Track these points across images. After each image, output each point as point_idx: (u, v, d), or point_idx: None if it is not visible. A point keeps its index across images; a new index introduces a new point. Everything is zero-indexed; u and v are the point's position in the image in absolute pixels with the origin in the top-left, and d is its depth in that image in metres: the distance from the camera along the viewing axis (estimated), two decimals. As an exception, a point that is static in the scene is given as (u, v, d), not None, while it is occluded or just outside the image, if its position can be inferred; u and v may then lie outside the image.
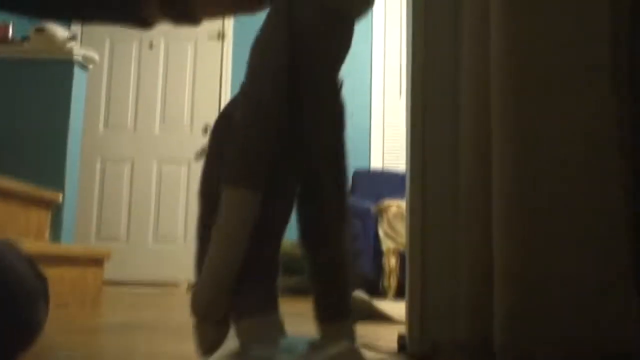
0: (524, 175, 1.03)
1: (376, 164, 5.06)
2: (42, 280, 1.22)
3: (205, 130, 5.02)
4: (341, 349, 0.69)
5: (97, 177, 4.99)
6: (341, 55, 0.77)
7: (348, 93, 0.89)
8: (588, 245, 1.00)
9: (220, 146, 0.73)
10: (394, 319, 2.14)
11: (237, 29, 5.05)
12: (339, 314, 0.77)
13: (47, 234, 3.09)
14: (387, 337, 1.64)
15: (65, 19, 0.97)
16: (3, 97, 3.47)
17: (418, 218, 1.42)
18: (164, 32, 5.08)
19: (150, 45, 5.12)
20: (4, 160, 3.32)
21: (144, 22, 0.87)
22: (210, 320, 0.71)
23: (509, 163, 1.04)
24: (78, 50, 3.62)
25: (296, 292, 3.30)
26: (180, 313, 2.68)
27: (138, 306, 3.09)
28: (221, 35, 5.08)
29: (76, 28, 4.90)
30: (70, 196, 3.48)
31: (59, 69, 3.53)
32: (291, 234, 0.80)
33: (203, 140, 5.00)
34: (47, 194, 3.08)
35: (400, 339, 1.45)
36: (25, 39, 3.59)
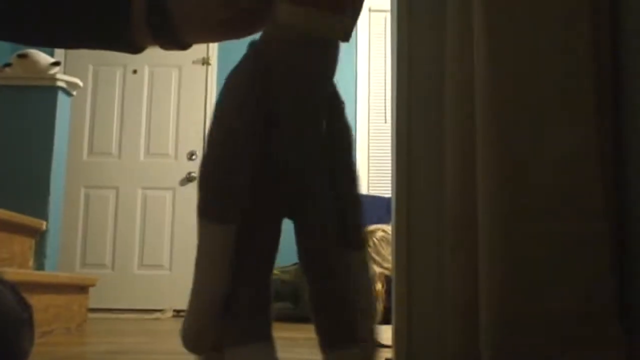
0: (509, 203, 1.04)
1: (361, 189, 5.08)
2: (27, 308, 1.21)
3: (190, 156, 5.01)
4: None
5: (82, 204, 4.96)
6: (322, 78, 0.74)
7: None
8: (572, 272, 1.01)
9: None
10: (381, 344, 2.14)
11: (222, 55, 5.08)
12: (347, 340, 0.76)
13: (31, 262, 3.05)
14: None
15: (58, 45, 0.98)
16: (-14, 124, 3.45)
17: (404, 243, 1.42)
18: (147, 57, 5.09)
19: (134, 71, 5.13)
20: (-13, 187, 3.30)
21: (135, 47, 0.89)
22: (201, 350, 0.71)
23: (495, 191, 1.05)
24: (62, 76, 3.62)
25: (282, 318, 3.28)
26: (165, 340, 2.66)
27: (123, 333, 3.05)
28: (206, 61, 5.10)
29: (60, 54, 4.91)
30: (54, 223, 3.45)
31: (43, 95, 3.51)
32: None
33: (188, 167, 4.99)
34: (30, 221, 3.06)
35: (388, 363, 1.45)
36: (7, 65, 3.58)
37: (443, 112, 1.34)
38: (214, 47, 5.12)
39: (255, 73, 0.71)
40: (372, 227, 4.14)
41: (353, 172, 0.74)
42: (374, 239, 4.10)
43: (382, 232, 4.08)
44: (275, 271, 0.84)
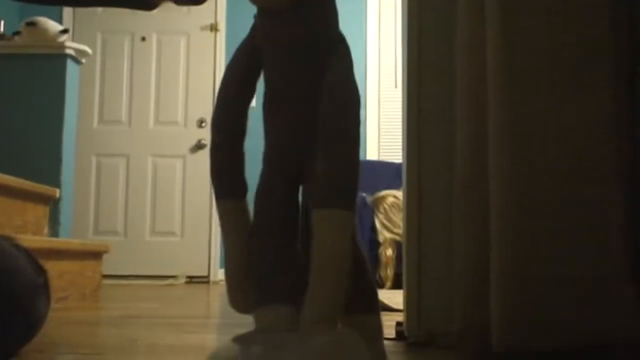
0: (520, 170, 1.04)
1: (372, 155, 5.07)
2: (43, 273, 1.23)
3: (200, 123, 5.01)
4: (343, 334, 0.70)
5: (93, 172, 4.99)
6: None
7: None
8: (584, 237, 1.01)
9: None
10: (392, 308, 2.16)
11: (230, 21, 5.04)
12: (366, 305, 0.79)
13: (45, 230, 3.09)
14: (384, 324, 1.65)
15: (77, 3, 0.99)
16: (-3, 93, 3.46)
17: (415, 208, 1.43)
18: (155, 24, 5.06)
19: (143, 39, 5.10)
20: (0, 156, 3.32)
21: (149, 3, 0.89)
22: (244, 310, 0.77)
23: (506, 159, 1.05)
24: (70, 44, 3.61)
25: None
26: (178, 305, 2.70)
27: (137, 299, 3.10)
28: (214, 27, 5.07)
29: (68, 22, 4.89)
30: (66, 191, 3.48)
31: (52, 63, 3.51)
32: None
33: (198, 134, 5.00)
34: (44, 189, 3.08)
35: (398, 325, 1.47)
36: (16, 33, 3.57)
37: (454, 77, 1.33)
38: (222, 13, 5.08)
39: (247, 44, 0.78)
40: (382, 192, 4.15)
41: (333, 129, 0.73)
42: (385, 204, 4.11)
43: (393, 197, 4.09)
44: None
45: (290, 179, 0.78)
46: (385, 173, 4.59)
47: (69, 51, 3.54)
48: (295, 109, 0.77)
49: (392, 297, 2.41)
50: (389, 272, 4.00)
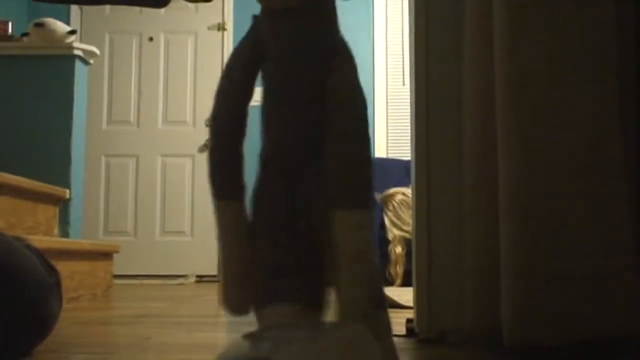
0: (530, 167, 1.03)
1: (380, 153, 5.07)
2: (54, 273, 1.24)
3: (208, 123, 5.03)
4: (355, 328, 0.70)
5: (102, 173, 5.01)
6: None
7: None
8: (595, 233, 1.00)
9: None
10: (402, 305, 2.16)
11: (237, 20, 5.05)
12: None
13: (56, 230, 3.11)
14: (395, 321, 1.66)
15: (88, 2, 1.00)
16: (5, 95, 3.47)
17: (424, 206, 1.43)
18: (163, 24, 5.08)
19: (150, 39, 5.12)
20: (10, 158, 3.34)
21: (159, 1, 0.90)
22: (239, 312, 0.77)
23: (515, 154, 1.05)
24: (78, 45, 3.62)
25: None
26: (189, 304, 2.71)
27: (148, 298, 3.11)
28: (221, 27, 5.07)
29: (75, 22, 4.90)
30: (76, 192, 3.50)
31: (60, 64, 3.52)
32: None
33: (206, 133, 5.00)
34: (55, 190, 3.10)
35: (408, 322, 1.47)
36: (24, 34, 3.59)
37: (462, 73, 1.33)
38: (229, 12, 5.09)
39: (250, 39, 0.79)
40: (391, 190, 4.14)
41: (344, 129, 0.73)
42: (394, 202, 4.10)
43: (402, 195, 4.08)
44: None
45: (289, 179, 0.78)
46: (394, 171, 4.58)
47: (77, 52, 3.56)
48: (295, 109, 0.77)
49: (402, 295, 2.40)
50: (398, 270, 3.99)
